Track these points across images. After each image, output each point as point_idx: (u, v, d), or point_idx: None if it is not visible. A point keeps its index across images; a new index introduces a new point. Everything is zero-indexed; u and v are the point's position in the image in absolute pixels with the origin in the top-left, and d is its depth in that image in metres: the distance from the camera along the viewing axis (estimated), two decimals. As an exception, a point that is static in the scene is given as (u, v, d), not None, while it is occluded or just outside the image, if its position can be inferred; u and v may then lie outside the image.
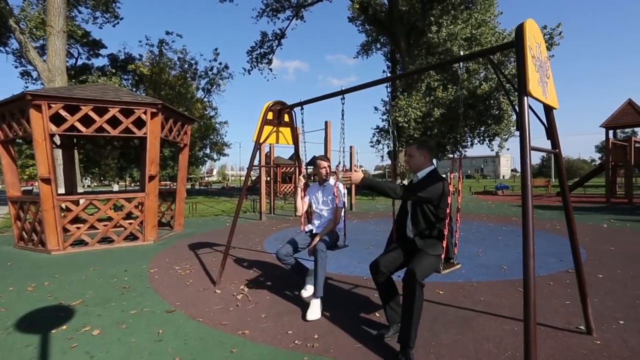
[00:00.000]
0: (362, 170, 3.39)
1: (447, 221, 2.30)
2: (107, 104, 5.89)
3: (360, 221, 9.36)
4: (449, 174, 2.29)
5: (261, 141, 3.94)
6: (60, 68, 12.43)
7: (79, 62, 21.94)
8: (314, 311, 2.93)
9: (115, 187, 30.85)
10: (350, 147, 13.00)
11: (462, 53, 2.87)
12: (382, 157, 25.79)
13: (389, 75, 21.48)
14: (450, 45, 17.48)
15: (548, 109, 2.24)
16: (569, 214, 2.41)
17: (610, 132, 16.88)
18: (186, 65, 23.84)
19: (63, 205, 6.09)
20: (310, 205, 3.60)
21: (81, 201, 6.64)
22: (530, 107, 1.92)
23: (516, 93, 1.93)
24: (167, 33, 22.63)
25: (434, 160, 2.57)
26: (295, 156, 4.46)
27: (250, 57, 25.30)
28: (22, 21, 13.75)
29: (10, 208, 6.29)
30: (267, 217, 10.35)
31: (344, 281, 3.97)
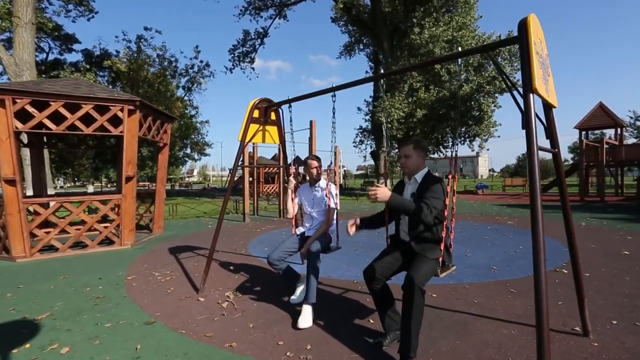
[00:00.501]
0: (345, 171, 3.25)
1: (445, 223, 2.21)
2: (80, 100, 5.52)
3: (345, 222, 9.25)
4: (447, 175, 2.20)
5: (247, 140, 3.75)
6: (29, 62, 11.72)
7: (50, 57, 20.90)
8: (306, 319, 2.78)
9: (90, 189, 29.56)
10: (335, 147, 12.90)
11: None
12: (365, 157, 25.80)
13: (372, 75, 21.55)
14: (432, 47, 17.71)
15: (548, 108, 2.18)
16: (567, 214, 2.36)
17: (583, 133, 17.55)
18: (166, 63, 23.19)
19: (31, 209, 5.68)
20: (301, 207, 3.45)
21: (51, 203, 6.22)
22: (520, 105, 1.84)
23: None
24: (146, 29, 21.93)
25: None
26: (282, 156, 4.30)
27: (233, 55, 24.90)
28: (-15, 12, 12.89)
29: (-29, 212, 5.81)
30: (250, 219, 10.10)
31: (333, 285, 3.83)
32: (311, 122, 10.73)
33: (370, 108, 25.01)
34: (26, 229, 5.25)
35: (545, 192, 19.23)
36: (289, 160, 4.10)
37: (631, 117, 31.64)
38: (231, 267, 4.72)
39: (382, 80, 2.82)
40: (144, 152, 23.55)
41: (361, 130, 26.45)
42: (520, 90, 1.86)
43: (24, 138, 7.57)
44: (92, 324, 2.92)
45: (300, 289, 3.37)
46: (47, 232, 5.70)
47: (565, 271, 4.14)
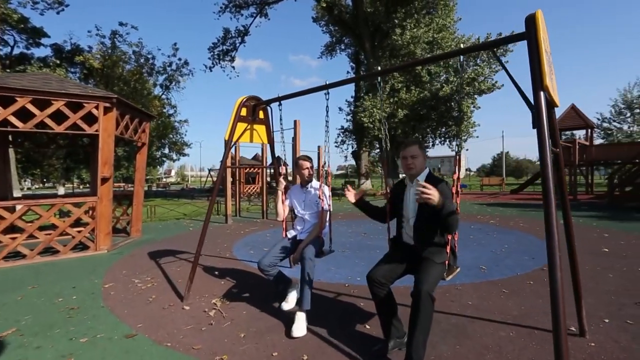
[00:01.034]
0: (325, 171, 3.15)
1: None
2: (50, 96, 5.15)
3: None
4: (452, 176, 2.12)
5: (234, 139, 3.58)
6: (-8, 56, 10.98)
7: (16, 51, 19.70)
8: (300, 327, 2.64)
9: (61, 190, 28.11)
10: (319, 147, 12.81)
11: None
12: (346, 157, 25.88)
13: (353, 75, 21.61)
14: (413, 48, 17.91)
15: (550, 107, 2.14)
16: (567, 216, 2.34)
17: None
18: (142, 60, 22.38)
19: (-5, 213, 5.24)
20: (292, 210, 3.32)
21: (18, 207, 5.79)
22: (530, 102, 1.79)
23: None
24: (121, 24, 21.08)
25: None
26: (272, 156, 4.14)
27: (212, 53, 24.34)
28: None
29: None
30: (233, 220, 9.83)
31: (324, 289, 3.71)
32: (295, 121, 10.57)
33: (352, 108, 25.09)
34: (-11, 235, 4.84)
35: (519, 192, 19.89)
36: (280, 161, 3.96)
37: (598, 119, 33.24)
38: (216, 272, 4.51)
39: (379, 78, 2.73)
40: (119, 152, 22.66)
41: (343, 130, 26.51)
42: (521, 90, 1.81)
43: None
44: (66, 339, 2.67)
45: (292, 294, 3.24)
46: (13, 238, 5.28)
47: (553, 270, 4.20)
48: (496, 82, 17.35)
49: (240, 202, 12.53)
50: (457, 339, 2.52)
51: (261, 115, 3.89)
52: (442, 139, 20.69)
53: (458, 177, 2.13)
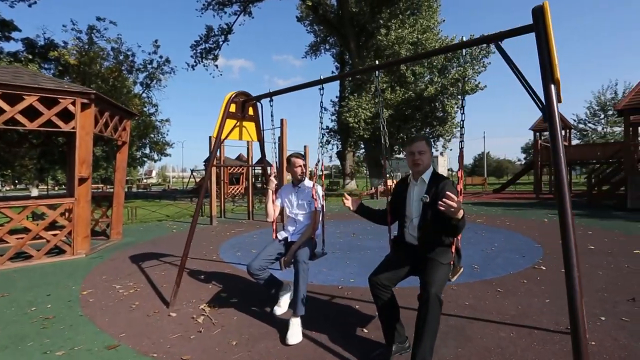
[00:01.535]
0: (311, 171, 3.05)
1: None
2: (22, 91, 4.83)
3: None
4: (457, 172, 2.05)
5: (223, 137, 3.41)
6: (-43, 49, 10.32)
7: (-16, 46, 18.66)
8: (295, 333, 2.52)
9: (35, 192, 26.87)
10: (305, 146, 12.68)
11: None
12: (331, 157, 25.83)
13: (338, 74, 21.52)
14: (398, 48, 18.01)
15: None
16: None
17: (537, 134, 18.78)
18: (121, 57, 21.58)
19: (-40, 216, 4.88)
20: (282, 210, 3.18)
21: (-13, 210, 5.40)
22: (538, 97, 1.73)
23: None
24: (99, 19, 20.25)
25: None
26: (262, 154, 3.99)
27: (195, 51, 23.83)
28: None
29: None
30: (218, 222, 9.58)
31: (317, 292, 3.59)
32: (282, 120, 10.39)
33: (337, 108, 25.06)
34: (-46, 240, 4.48)
35: (501, 191, 20.34)
36: (272, 161, 3.81)
37: (574, 120, 34.44)
38: (202, 276, 4.32)
39: (376, 72, 2.63)
40: (97, 152, 21.82)
41: (328, 131, 26.45)
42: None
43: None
44: (40, 352, 2.45)
45: (284, 297, 3.10)
46: (-18, 243, 4.92)
47: (544, 267, 4.23)
48: (479, 83, 17.64)
49: (225, 202, 12.25)
50: (457, 341, 2.45)
51: (251, 111, 3.74)
52: (427, 139, 20.89)
53: (462, 176, 2.05)
